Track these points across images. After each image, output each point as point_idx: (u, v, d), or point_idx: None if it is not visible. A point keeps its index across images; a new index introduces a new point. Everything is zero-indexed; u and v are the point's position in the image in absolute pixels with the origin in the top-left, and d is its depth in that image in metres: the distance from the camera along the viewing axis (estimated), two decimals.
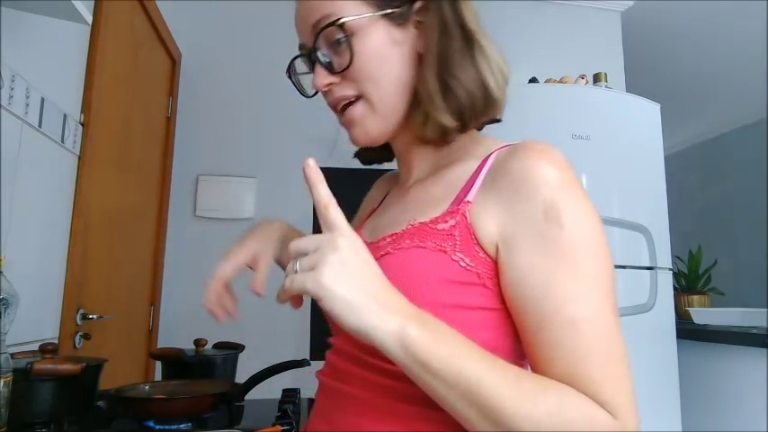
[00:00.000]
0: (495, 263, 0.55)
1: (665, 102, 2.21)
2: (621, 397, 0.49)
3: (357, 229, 0.74)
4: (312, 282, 0.47)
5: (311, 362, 1.17)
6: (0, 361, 0.79)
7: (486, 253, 0.55)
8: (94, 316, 1.56)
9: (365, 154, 0.83)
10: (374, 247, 0.61)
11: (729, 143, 4.99)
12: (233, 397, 1.05)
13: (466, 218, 0.56)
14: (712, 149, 5.20)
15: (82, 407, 0.97)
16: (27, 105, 1.23)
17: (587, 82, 2.19)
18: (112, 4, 1.67)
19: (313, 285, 0.47)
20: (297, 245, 0.51)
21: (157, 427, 0.94)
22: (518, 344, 0.56)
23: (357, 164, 3.07)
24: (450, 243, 0.56)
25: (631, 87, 2.78)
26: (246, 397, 1.09)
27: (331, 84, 0.64)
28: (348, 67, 0.61)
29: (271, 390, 1.17)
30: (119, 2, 1.75)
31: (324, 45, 0.63)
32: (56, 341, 1.38)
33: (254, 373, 1.09)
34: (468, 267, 0.55)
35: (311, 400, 1.23)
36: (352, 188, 2.91)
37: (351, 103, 0.64)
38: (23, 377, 0.87)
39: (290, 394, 1.18)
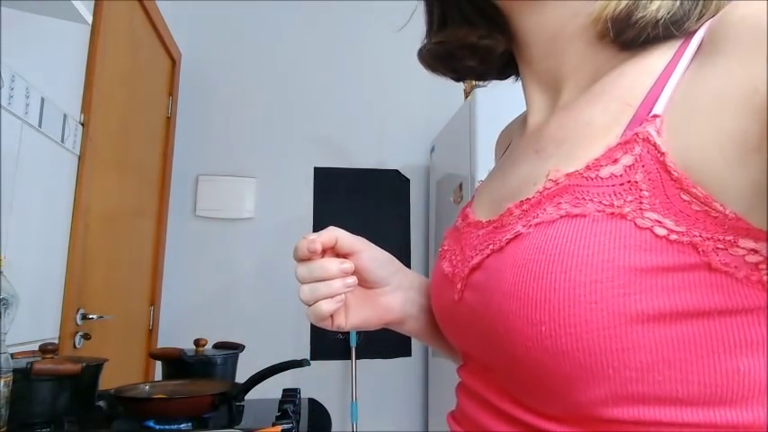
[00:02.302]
0: (734, 213, 0.29)
1: None
2: None
3: (468, 205, 0.50)
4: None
5: (311, 362, 1.17)
6: (0, 361, 0.79)
7: (705, 200, 0.30)
8: (94, 316, 1.56)
9: (460, 59, 0.50)
10: (496, 228, 0.40)
11: None
12: (233, 397, 1.05)
13: (655, 145, 0.31)
14: None
15: (82, 407, 0.97)
16: (27, 105, 1.23)
17: None
18: (112, 4, 1.67)
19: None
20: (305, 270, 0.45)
21: (157, 427, 0.94)
22: None
23: (358, 164, 3.06)
24: (629, 198, 0.31)
25: None
26: (246, 397, 1.08)
27: None
28: None
29: (271, 390, 1.17)
30: (119, 2, 1.75)
31: None
32: (56, 341, 1.38)
33: (254, 373, 1.09)
34: (676, 235, 0.30)
35: (311, 400, 1.23)
36: (354, 188, 2.91)
37: None
38: (23, 377, 0.87)
39: (290, 394, 1.18)
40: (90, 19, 1.20)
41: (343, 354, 2.49)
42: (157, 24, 2.17)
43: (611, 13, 0.36)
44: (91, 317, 1.55)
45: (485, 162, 1.89)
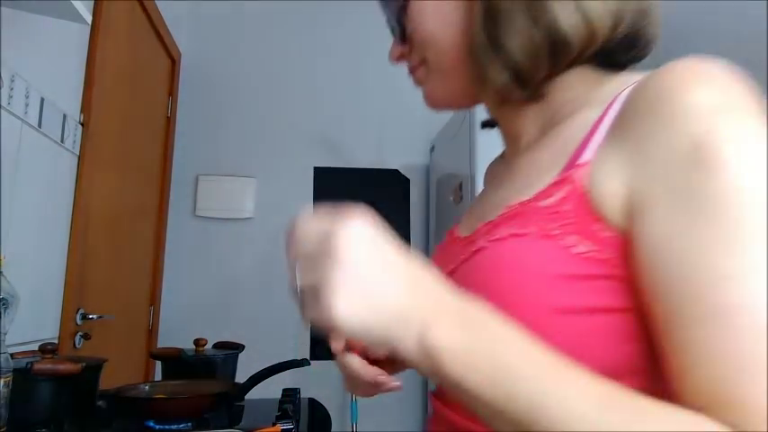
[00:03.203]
0: (627, 240, 0.38)
1: None
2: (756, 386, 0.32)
3: (455, 225, 0.61)
4: (325, 319, 0.34)
5: (311, 362, 1.17)
6: (0, 361, 0.79)
7: (611, 229, 0.39)
8: (94, 316, 1.56)
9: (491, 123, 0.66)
10: (468, 243, 0.50)
11: None
12: (233, 397, 1.05)
13: (581, 185, 0.41)
14: None
15: (82, 407, 0.97)
16: (27, 105, 1.23)
17: None
18: (112, 4, 1.67)
19: (328, 322, 0.34)
20: (300, 241, 0.37)
21: (157, 427, 0.94)
22: None
23: (359, 163, 3.08)
24: (558, 224, 0.41)
25: None
26: (246, 397, 1.09)
27: (402, 55, 0.62)
28: (408, 32, 0.58)
29: (271, 390, 1.17)
30: (118, 2, 1.75)
31: (392, 15, 0.60)
32: (56, 341, 1.38)
33: (254, 373, 1.09)
34: (588, 253, 0.39)
35: (311, 400, 1.24)
36: (354, 188, 2.91)
37: (416, 66, 0.61)
38: (23, 377, 0.87)
39: (290, 394, 1.18)
40: (90, 19, 1.20)
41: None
42: (157, 24, 2.17)
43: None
44: (91, 317, 1.55)
45: (484, 162, 1.89)
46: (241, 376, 1.16)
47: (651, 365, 0.38)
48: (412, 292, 0.35)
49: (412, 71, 0.62)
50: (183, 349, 1.27)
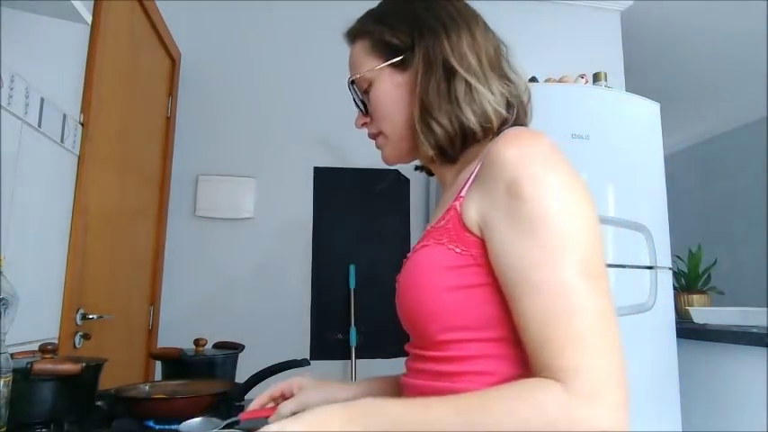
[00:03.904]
0: (484, 243, 0.62)
1: (664, 102, 2.20)
2: (584, 359, 0.50)
3: None
4: None
5: (311, 362, 1.17)
6: (0, 361, 0.79)
7: (475, 236, 0.63)
8: (94, 316, 1.56)
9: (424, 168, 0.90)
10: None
11: (729, 143, 4.99)
12: (233, 397, 1.05)
13: (457, 211, 0.65)
14: (712, 149, 5.20)
15: (82, 407, 0.97)
16: (27, 105, 1.23)
17: (587, 81, 2.19)
18: (112, 4, 1.67)
19: None
20: None
21: (157, 427, 0.94)
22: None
23: (358, 163, 3.08)
24: (445, 236, 0.65)
25: (631, 87, 2.78)
26: (246, 397, 1.08)
27: (365, 123, 0.83)
28: (369, 111, 0.80)
29: None
30: (118, 2, 1.75)
31: (359, 93, 0.82)
32: (56, 341, 1.38)
33: (254, 373, 1.09)
34: (462, 252, 0.63)
35: None
36: (354, 188, 2.91)
37: (375, 135, 0.82)
38: (23, 377, 0.87)
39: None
40: (90, 19, 1.20)
41: (343, 353, 2.49)
42: (157, 24, 2.17)
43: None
44: (91, 317, 1.55)
45: None
46: (241, 376, 1.16)
47: (507, 320, 0.60)
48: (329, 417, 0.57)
49: (373, 137, 0.83)
50: (182, 349, 1.27)
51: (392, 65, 0.76)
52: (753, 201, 4.61)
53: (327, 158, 2.69)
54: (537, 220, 0.56)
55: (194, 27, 2.64)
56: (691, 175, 5.32)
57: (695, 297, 2.34)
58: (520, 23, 2.99)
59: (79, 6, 1.14)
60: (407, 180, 2.73)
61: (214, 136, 2.59)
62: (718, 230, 4.91)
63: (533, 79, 2.21)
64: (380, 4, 0.85)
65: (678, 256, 2.37)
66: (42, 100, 1.30)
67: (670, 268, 2.04)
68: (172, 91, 2.48)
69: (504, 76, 0.74)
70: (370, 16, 0.84)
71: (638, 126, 2.07)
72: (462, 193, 0.66)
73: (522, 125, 0.74)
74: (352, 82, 0.82)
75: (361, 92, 0.81)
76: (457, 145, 0.72)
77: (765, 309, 1.99)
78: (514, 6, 3.00)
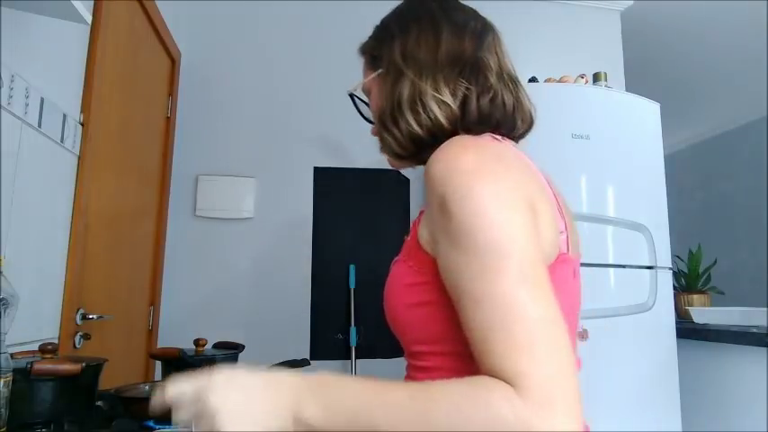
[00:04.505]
0: (435, 260, 0.62)
1: (665, 102, 2.20)
2: (521, 360, 0.50)
3: None
4: None
5: (311, 362, 1.17)
6: (0, 361, 0.79)
7: (428, 254, 0.64)
8: (94, 316, 1.56)
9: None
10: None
11: (729, 143, 4.99)
12: None
13: (416, 228, 0.68)
14: (712, 149, 5.20)
15: (82, 407, 0.97)
16: (27, 105, 1.23)
17: (587, 81, 2.19)
18: (112, 4, 1.67)
19: None
20: (175, 395, 0.57)
21: (157, 427, 0.94)
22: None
23: (358, 163, 3.08)
24: (406, 253, 0.69)
25: (631, 87, 2.78)
26: None
27: (374, 132, 0.84)
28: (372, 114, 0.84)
29: None
30: (118, 2, 1.75)
31: (366, 103, 0.87)
32: (56, 341, 1.38)
33: None
34: (418, 269, 0.65)
35: None
36: (354, 188, 2.91)
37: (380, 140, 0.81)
38: (23, 377, 0.87)
39: None
40: (89, 19, 1.20)
41: (343, 354, 2.49)
42: (157, 24, 2.17)
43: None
44: (91, 317, 1.55)
45: None
46: None
47: (457, 334, 0.58)
48: (276, 402, 0.52)
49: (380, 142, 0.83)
50: (182, 349, 1.27)
51: (379, 75, 0.78)
52: (753, 201, 4.61)
53: (327, 158, 2.69)
54: (467, 235, 0.55)
55: (194, 27, 2.64)
56: (691, 175, 5.32)
57: (695, 297, 2.34)
58: (520, 23, 2.99)
59: (79, 6, 1.14)
60: (407, 180, 2.73)
61: (214, 136, 2.60)
62: (718, 230, 4.91)
63: (533, 79, 2.21)
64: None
65: (678, 256, 2.38)
66: (42, 100, 1.30)
67: (670, 268, 2.04)
68: (172, 91, 2.48)
69: (476, 77, 0.70)
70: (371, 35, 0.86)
71: (638, 126, 2.07)
72: (422, 207, 0.69)
73: (500, 129, 0.72)
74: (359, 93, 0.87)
75: (367, 102, 0.86)
76: (409, 149, 0.74)
77: (765, 309, 1.99)
78: (515, 6, 3.00)
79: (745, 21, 3.22)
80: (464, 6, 0.79)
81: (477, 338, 0.53)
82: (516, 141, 0.76)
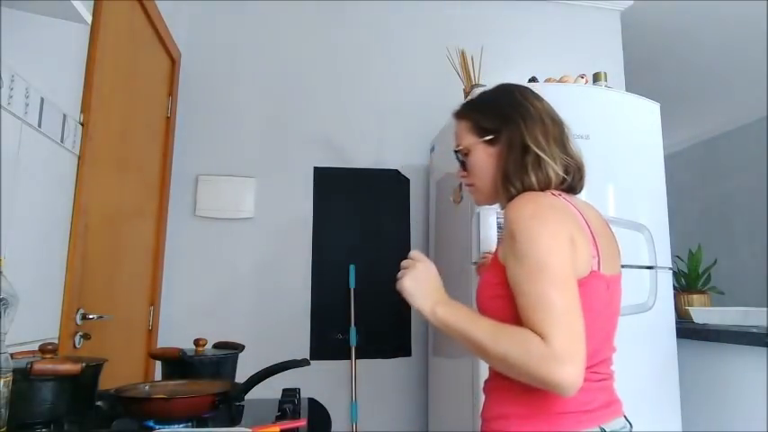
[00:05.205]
0: (505, 268, 0.96)
1: (665, 102, 2.20)
2: (549, 329, 0.83)
3: None
4: (400, 283, 1.00)
5: (311, 362, 1.17)
6: (0, 361, 0.79)
7: (502, 265, 0.96)
8: (94, 316, 1.56)
9: None
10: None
11: (729, 143, 4.99)
12: (233, 397, 1.05)
13: (497, 249, 1.05)
14: (712, 149, 5.20)
15: (82, 407, 0.97)
16: (27, 105, 1.23)
17: (587, 81, 2.19)
18: (112, 4, 1.67)
19: (400, 285, 1.00)
20: (404, 263, 1.04)
21: (157, 427, 0.94)
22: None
23: (358, 163, 3.08)
24: (490, 265, 1.05)
25: (631, 87, 2.78)
26: (246, 397, 1.08)
27: (463, 175, 1.16)
28: (467, 170, 1.14)
29: (271, 390, 1.17)
30: (118, 2, 1.75)
31: (461, 156, 1.15)
32: (56, 341, 1.38)
33: (254, 373, 1.09)
34: (495, 275, 0.99)
35: (311, 400, 1.23)
36: (354, 188, 2.91)
37: (470, 185, 1.16)
38: (23, 377, 0.87)
39: (290, 394, 1.18)
40: (89, 19, 1.20)
41: (343, 354, 2.49)
42: (157, 24, 2.17)
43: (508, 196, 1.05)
44: (91, 317, 1.55)
45: None
46: (241, 376, 1.16)
47: (515, 315, 0.90)
48: (430, 292, 1.00)
49: (468, 185, 1.17)
50: (182, 349, 1.27)
51: (484, 141, 1.09)
52: (753, 201, 4.61)
53: (327, 158, 2.69)
54: (524, 254, 0.90)
55: (194, 27, 2.64)
56: (691, 175, 5.32)
57: (695, 297, 2.34)
58: (520, 23, 2.99)
59: (79, 6, 1.14)
60: (407, 180, 2.73)
61: (214, 136, 2.60)
62: (718, 230, 4.91)
63: (533, 79, 2.21)
64: (478, 96, 1.19)
65: (678, 256, 2.38)
66: (42, 100, 1.30)
67: (670, 268, 2.04)
68: (172, 91, 2.48)
69: (564, 150, 1.05)
70: (471, 104, 1.18)
71: (638, 126, 2.07)
72: (500, 236, 1.05)
73: (576, 185, 1.08)
74: (458, 149, 1.15)
75: (463, 155, 1.14)
76: (498, 199, 1.11)
77: (765, 309, 1.99)
78: (515, 6, 3.00)
79: (746, 21, 3.22)
80: (540, 96, 1.13)
81: (525, 316, 0.87)
82: (577, 192, 1.09)
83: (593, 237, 0.96)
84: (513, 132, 1.05)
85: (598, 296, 0.94)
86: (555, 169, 1.02)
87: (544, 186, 1.01)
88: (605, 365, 1.00)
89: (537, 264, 0.87)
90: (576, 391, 0.81)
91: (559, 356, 0.80)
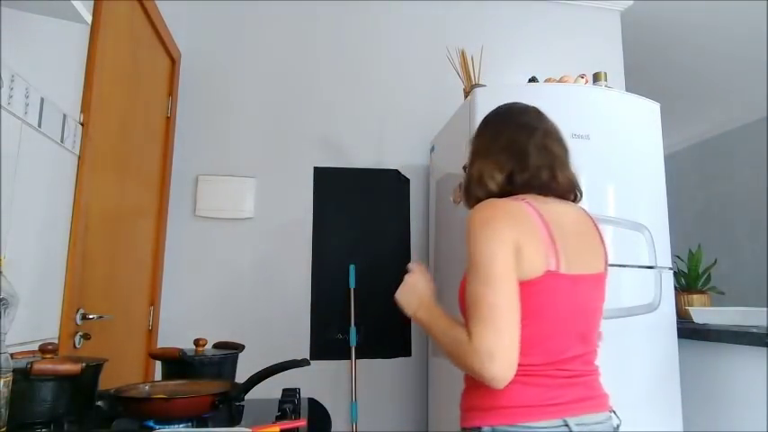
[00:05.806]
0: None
1: (665, 102, 2.20)
2: (474, 326, 0.92)
3: None
4: (396, 293, 1.13)
5: (311, 362, 1.17)
6: (0, 361, 0.79)
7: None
8: (94, 316, 1.56)
9: None
10: None
11: (729, 143, 4.99)
12: (233, 397, 1.05)
13: None
14: (712, 149, 5.20)
15: (82, 407, 0.97)
16: (27, 105, 1.23)
17: (587, 81, 2.19)
18: (112, 4, 1.67)
19: (396, 295, 1.13)
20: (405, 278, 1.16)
21: (157, 427, 0.94)
22: None
23: (358, 163, 3.09)
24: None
25: (631, 87, 2.78)
26: (246, 397, 1.08)
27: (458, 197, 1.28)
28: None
29: (271, 390, 1.17)
30: (118, 2, 1.75)
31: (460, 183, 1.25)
32: (56, 341, 1.38)
33: (254, 373, 1.09)
34: (466, 275, 1.04)
35: (311, 400, 1.23)
36: (354, 187, 2.90)
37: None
38: (23, 377, 0.87)
39: (290, 394, 1.18)
40: (89, 19, 1.20)
41: (343, 354, 2.49)
42: (157, 24, 2.17)
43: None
44: (91, 317, 1.55)
45: None
46: (241, 376, 1.16)
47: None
48: (416, 298, 1.12)
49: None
50: (182, 349, 1.27)
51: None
52: (753, 201, 4.61)
53: (327, 158, 2.69)
54: (469, 256, 0.99)
55: (194, 27, 2.64)
56: (691, 175, 5.32)
57: (695, 297, 2.34)
58: (520, 23, 2.99)
59: (79, 6, 1.14)
60: (407, 180, 2.73)
61: (214, 136, 2.60)
62: (718, 230, 4.91)
63: (533, 79, 2.21)
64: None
65: (678, 256, 2.37)
66: (42, 100, 1.30)
67: (670, 268, 2.04)
68: (172, 91, 2.48)
69: (523, 160, 1.09)
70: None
71: (638, 126, 2.07)
72: None
73: (549, 184, 1.10)
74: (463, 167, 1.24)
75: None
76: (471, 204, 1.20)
77: (765, 309, 1.99)
78: (515, 6, 3.00)
79: (746, 21, 3.22)
80: (529, 110, 1.18)
81: (467, 311, 0.96)
82: (565, 198, 1.12)
83: (551, 239, 0.99)
84: (470, 146, 1.20)
85: (560, 294, 0.99)
86: (495, 179, 1.10)
87: (493, 195, 1.09)
88: (579, 362, 1.02)
89: (474, 265, 0.96)
90: (506, 383, 0.90)
91: (479, 352, 0.89)
